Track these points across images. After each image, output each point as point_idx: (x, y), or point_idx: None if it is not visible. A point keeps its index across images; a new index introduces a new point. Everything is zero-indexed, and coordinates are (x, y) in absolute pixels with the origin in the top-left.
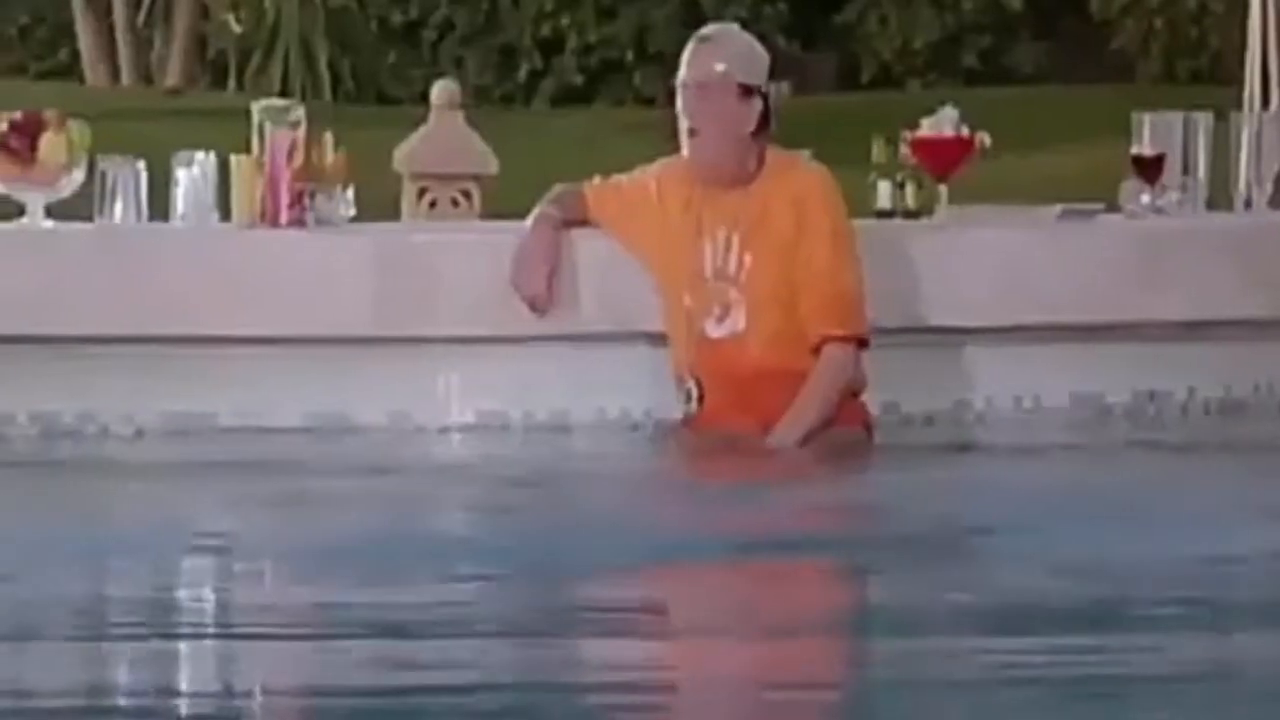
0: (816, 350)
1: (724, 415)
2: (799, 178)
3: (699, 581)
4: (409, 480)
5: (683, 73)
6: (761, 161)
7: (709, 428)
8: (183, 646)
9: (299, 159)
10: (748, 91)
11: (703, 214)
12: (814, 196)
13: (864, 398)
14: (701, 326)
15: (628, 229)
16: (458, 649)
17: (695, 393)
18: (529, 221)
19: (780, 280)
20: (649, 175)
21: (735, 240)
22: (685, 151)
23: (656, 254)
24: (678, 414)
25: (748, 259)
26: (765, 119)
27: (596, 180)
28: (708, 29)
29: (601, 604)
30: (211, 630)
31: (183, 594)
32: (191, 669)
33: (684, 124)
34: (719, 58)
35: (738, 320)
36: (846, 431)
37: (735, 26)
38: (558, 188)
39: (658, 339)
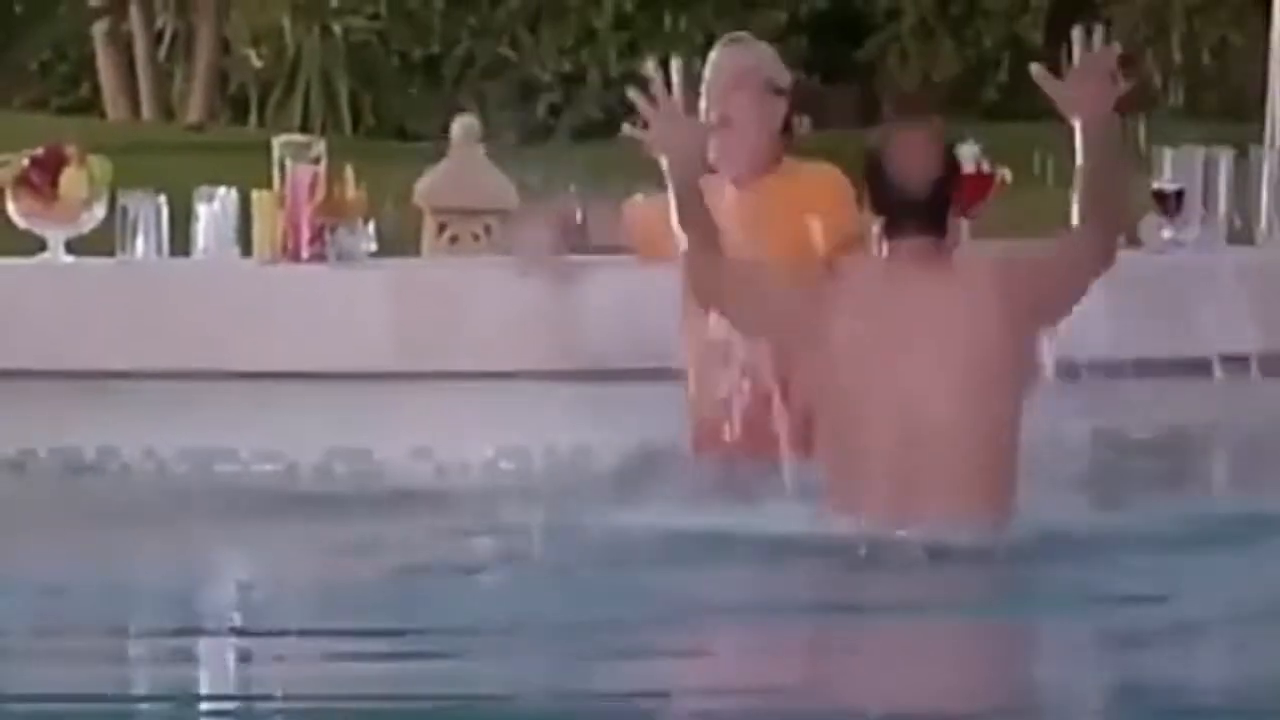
0: None
1: None
2: (811, 180)
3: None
4: (431, 517)
5: (710, 74)
6: (778, 169)
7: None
8: (203, 674)
9: (320, 194)
10: (776, 91)
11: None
12: (825, 197)
13: None
14: None
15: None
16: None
17: None
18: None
19: None
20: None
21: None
22: (714, 146)
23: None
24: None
25: None
26: (786, 125)
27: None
28: (730, 36)
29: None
30: (230, 666)
31: (204, 630)
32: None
33: (714, 117)
34: (750, 55)
35: None
36: None
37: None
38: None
39: (678, 374)
